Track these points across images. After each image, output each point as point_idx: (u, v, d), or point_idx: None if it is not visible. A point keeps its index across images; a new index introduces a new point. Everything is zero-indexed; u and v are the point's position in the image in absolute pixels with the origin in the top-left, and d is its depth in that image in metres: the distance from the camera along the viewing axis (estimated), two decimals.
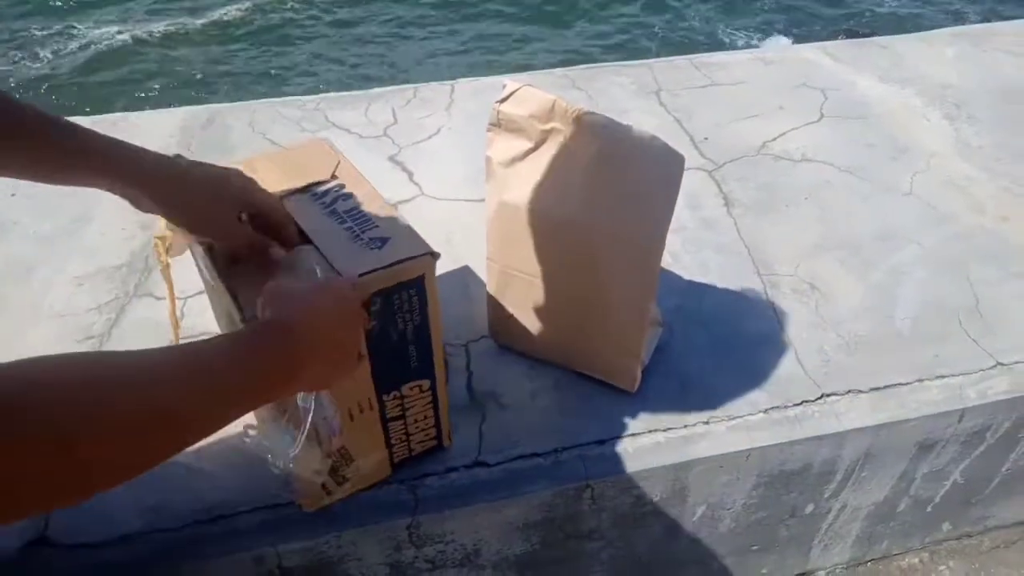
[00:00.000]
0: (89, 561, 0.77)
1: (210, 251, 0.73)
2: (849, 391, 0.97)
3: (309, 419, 0.61)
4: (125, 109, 1.55)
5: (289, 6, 5.08)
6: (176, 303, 0.80)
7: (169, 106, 1.57)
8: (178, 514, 0.81)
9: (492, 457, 0.88)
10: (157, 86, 4.45)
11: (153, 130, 1.41)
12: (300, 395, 0.62)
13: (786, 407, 0.95)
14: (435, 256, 0.70)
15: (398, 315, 0.71)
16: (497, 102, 0.83)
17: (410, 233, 0.72)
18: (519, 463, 0.88)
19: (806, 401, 0.95)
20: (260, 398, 0.54)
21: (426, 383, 0.78)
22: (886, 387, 0.97)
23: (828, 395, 0.96)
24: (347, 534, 0.81)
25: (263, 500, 0.82)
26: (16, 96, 0.62)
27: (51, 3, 5.08)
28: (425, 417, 0.82)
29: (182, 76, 4.50)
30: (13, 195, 1.27)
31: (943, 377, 0.99)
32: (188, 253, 0.79)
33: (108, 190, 0.65)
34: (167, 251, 0.73)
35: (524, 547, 0.92)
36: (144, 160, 0.65)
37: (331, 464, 0.75)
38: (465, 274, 1.11)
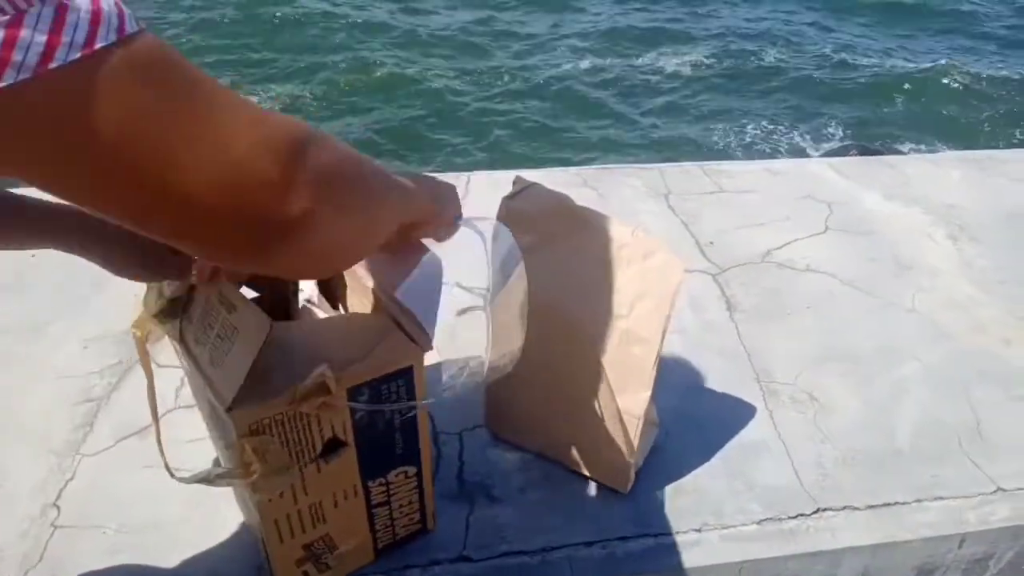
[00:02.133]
0: None
1: (183, 341, 0.70)
2: (845, 507, 0.95)
3: None
4: None
5: (312, 95, 5.24)
6: (157, 394, 0.74)
7: None
8: None
9: (477, 552, 0.86)
10: None
11: None
12: None
13: (781, 519, 0.93)
14: (425, 347, 0.69)
15: (385, 404, 0.70)
16: (506, 197, 0.87)
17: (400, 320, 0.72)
18: (505, 560, 0.86)
19: (801, 515, 0.94)
20: None
21: (412, 469, 0.78)
22: (883, 505, 0.96)
23: (824, 510, 0.94)
24: None
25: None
26: None
27: None
28: (410, 502, 0.81)
29: None
30: (33, 256, 1.30)
31: (942, 499, 0.97)
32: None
33: (79, 254, 0.67)
34: (146, 340, 0.72)
35: None
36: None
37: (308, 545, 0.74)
38: (465, 362, 1.11)
